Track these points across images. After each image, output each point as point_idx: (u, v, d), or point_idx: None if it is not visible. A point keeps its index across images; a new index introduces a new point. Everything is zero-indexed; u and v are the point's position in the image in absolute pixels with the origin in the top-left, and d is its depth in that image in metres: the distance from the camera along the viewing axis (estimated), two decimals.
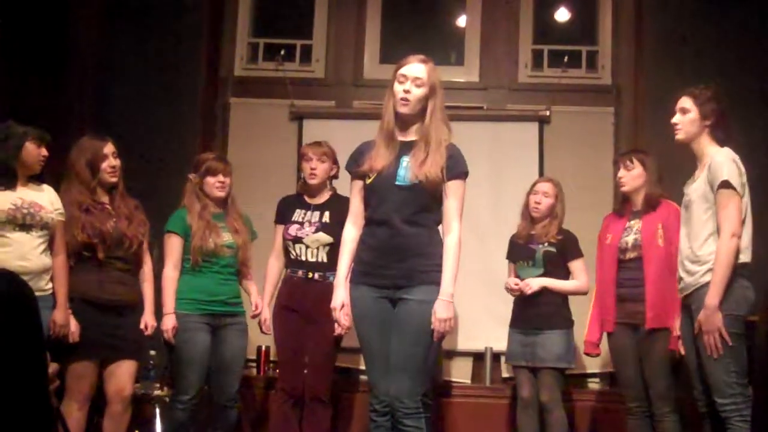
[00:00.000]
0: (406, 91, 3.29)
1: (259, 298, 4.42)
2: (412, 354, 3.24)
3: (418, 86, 3.30)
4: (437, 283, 3.25)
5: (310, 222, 4.44)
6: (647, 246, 4.07)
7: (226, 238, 4.27)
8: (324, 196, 4.51)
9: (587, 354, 4.43)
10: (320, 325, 4.31)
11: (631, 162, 4.21)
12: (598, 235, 4.38)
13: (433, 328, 3.22)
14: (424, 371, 3.30)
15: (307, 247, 4.41)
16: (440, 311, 3.22)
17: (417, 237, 3.29)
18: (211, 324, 4.21)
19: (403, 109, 3.31)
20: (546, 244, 4.51)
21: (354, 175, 3.44)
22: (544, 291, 4.45)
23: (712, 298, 3.37)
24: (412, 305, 3.25)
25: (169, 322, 4.14)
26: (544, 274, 4.48)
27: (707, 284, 3.43)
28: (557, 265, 4.51)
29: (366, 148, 3.41)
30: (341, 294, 3.37)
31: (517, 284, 4.48)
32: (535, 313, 4.45)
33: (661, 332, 3.98)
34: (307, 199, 4.53)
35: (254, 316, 4.40)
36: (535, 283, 4.44)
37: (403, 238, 3.28)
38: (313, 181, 4.46)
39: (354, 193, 3.45)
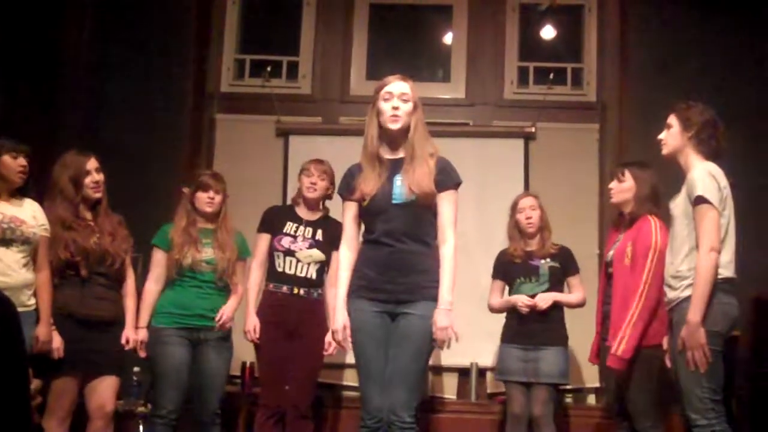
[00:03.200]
0: (395, 108, 3.33)
1: (228, 309, 4.23)
2: (412, 368, 3.26)
3: (405, 101, 3.34)
4: (437, 299, 3.30)
5: (303, 237, 4.44)
6: (616, 264, 4.04)
7: (206, 254, 4.24)
8: (317, 214, 4.52)
9: (591, 362, 4.40)
10: (304, 341, 4.30)
11: (623, 175, 4.17)
12: None
13: (435, 337, 3.25)
14: (420, 385, 3.34)
15: (299, 261, 4.41)
16: (440, 320, 3.25)
17: (418, 253, 3.32)
18: (190, 338, 4.18)
19: (393, 126, 3.33)
20: (548, 259, 4.52)
21: (347, 199, 3.45)
22: (549, 306, 4.46)
23: (694, 314, 3.34)
24: (414, 319, 3.27)
25: (140, 336, 4.12)
26: (549, 289, 4.49)
27: (687, 299, 3.41)
28: (560, 280, 4.54)
29: (357, 171, 3.43)
30: (343, 316, 3.35)
31: (530, 302, 4.43)
32: (538, 329, 4.44)
33: None
34: (299, 213, 4.53)
35: (220, 326, 4.20)
36: (549, 298, 4.44)
37: (405, 255, 3.30)
38: (311, 195, 4.46)
39: (348, 216, 3.45)
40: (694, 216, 3.42)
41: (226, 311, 4.23)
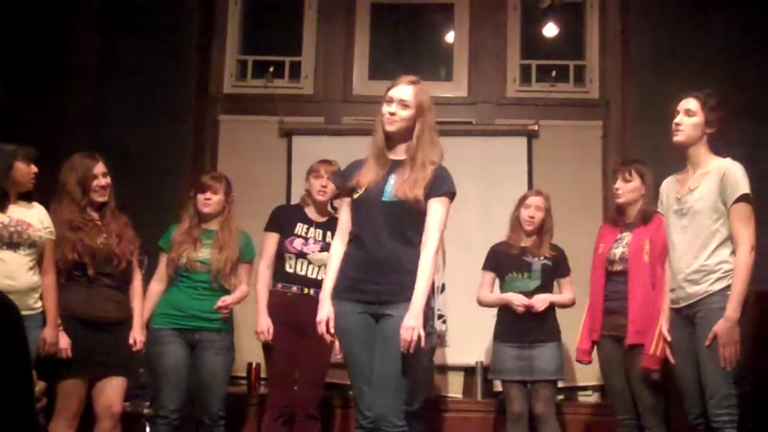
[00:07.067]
0: (392, 113, 3.33)
1: (230, 299, 4.23)
2: (395, 371, 3.22)
3: (404, 108, 3.32)
4: None
5: (314, 239, 4.45)
6: (633, 261, 4.07)
7: (202, 254, 4.24)
8: (326, 215, 4.53)
9: (579, 361, 4.41)
10: (313, 340, 4.28)
11: (630, 174, 4.19)
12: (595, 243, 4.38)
13: (401, 335, 3.14)
14: (405, 388, 3.28)
15: (310, 263, 4.41)
16: (407, 319, 3.15)
17: (402, 253, 3.29)
18: (186, 339, 4.20)
19: (389, 127, 3.34)
20: (542, 257, 4.52)
21: (342, 191, 3.47)
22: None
23: (734, 311, 3.39)
24: (396, 322, 3.22)
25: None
26: (540, 287, 4.49)
27: (717, 292, 3.44)
28: (551, 279, 4.55)
29: (357, 164, 3.44)
30: (327, 307, 3.34)
31: (527, 302, 4.43)
32: (531, 327, 4.44)
33: (643, 347, 3.94)
34: (309, 214, 4.53)
35: (218, 308, 4.20)
36: (546, 300, 4.45)
37: (389, 254, 3.28)
38: (321, 198, 4.47)
39: (343, 209, 3.47)
40: (735, 212, 3.46)
41: (228, 300, 4.21)
